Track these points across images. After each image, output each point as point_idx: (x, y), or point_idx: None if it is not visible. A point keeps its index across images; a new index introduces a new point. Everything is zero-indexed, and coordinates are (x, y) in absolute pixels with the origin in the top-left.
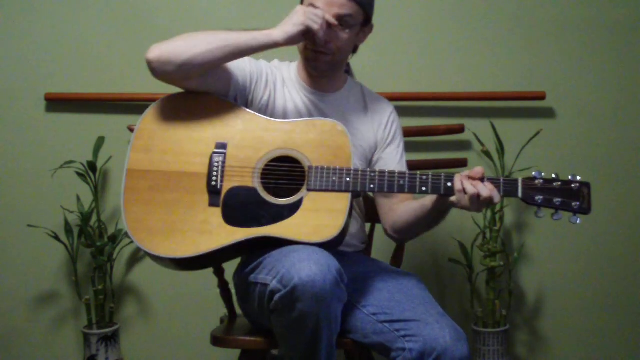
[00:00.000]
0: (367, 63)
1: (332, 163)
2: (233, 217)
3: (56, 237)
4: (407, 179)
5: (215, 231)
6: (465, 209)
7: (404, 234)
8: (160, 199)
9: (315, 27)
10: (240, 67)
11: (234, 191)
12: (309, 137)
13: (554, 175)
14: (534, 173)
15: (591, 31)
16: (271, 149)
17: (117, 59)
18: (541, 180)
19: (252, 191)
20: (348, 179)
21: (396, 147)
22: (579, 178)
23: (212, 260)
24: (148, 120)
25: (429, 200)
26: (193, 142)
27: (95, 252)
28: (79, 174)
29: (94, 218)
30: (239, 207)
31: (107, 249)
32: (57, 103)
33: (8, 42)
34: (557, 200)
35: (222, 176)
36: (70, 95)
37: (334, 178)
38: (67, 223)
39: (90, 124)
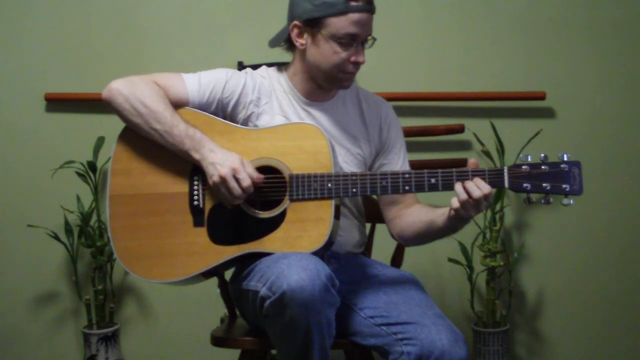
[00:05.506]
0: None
1: (312, 169)
2: (219, 235)
3: (56, 237)
4: (389, 179)
5: (203, 252)
6: (471, 216)
7: (411, 243)
8: (145, 223)
9: (225, 203)
10: (210, 88)
11: (217, 209)
12: (287, 143)
13: (542, 157)
14: (520, 156)
15: (591, 31)
16: (250, 159)
17: (117, 59)
18: (528, 167)
19: (235, 207)
20: (330, 185)
21: (397, 152)
22: (566, 158)
23: (205, 277)
24: (124, 142)
25: (440, 219)
26: (171, 160)
27: (95, 252)
28: (79, 174)
29: (94, 218)
30: (223, 225)
31: (107, 249)
32: (57, 103)
33: (8, 42)
34: (547, 185)
35: (204, 194)
36: (70, 95)
37: (315, 185)
38: (67, 223)
39: (90, 124)
